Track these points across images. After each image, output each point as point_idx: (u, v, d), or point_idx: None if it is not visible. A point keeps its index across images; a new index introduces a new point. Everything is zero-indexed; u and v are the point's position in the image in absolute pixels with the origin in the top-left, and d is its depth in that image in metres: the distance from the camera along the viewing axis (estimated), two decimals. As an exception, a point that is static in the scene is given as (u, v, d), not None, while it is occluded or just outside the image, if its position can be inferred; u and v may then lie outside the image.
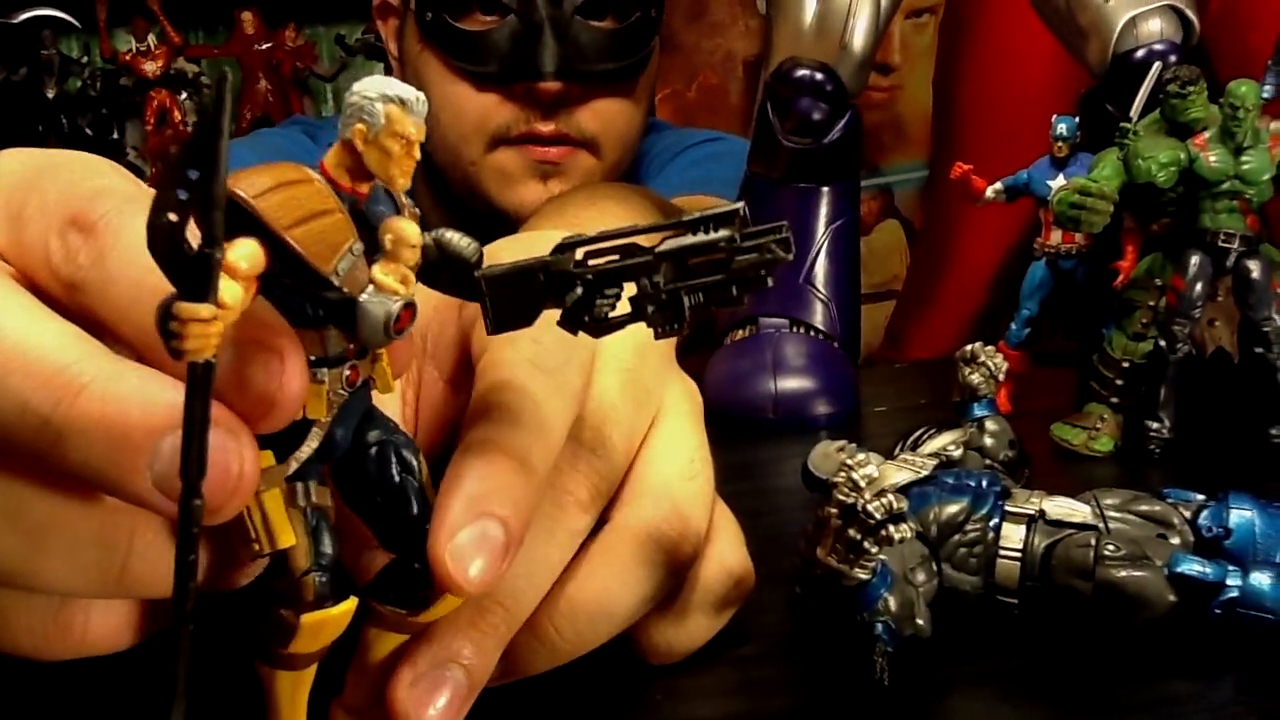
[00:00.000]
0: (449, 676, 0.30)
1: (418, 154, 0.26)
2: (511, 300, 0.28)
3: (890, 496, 0.32)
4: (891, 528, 0.32)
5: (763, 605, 0.39)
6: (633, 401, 0.35)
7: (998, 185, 0.63)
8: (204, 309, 0.21)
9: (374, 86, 0.26)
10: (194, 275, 0.21)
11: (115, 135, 1.92)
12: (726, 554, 0.37)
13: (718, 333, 0.71)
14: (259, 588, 0.28)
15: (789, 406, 0.65)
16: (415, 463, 0.29)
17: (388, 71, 1.82)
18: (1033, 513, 0.38)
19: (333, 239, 0.26)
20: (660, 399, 0.37)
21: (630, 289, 0.27)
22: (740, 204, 0.27)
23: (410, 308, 0.27)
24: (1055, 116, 0.61)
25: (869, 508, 0.32)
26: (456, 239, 0.28)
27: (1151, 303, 0.57)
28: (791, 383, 0.66)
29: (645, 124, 1.07)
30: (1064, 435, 0.58)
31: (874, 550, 0.32)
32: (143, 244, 0.25)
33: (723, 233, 0.26)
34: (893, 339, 1.91)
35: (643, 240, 0.28)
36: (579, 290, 0.27)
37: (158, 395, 0.24)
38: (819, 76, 0.65)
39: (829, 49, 0.64)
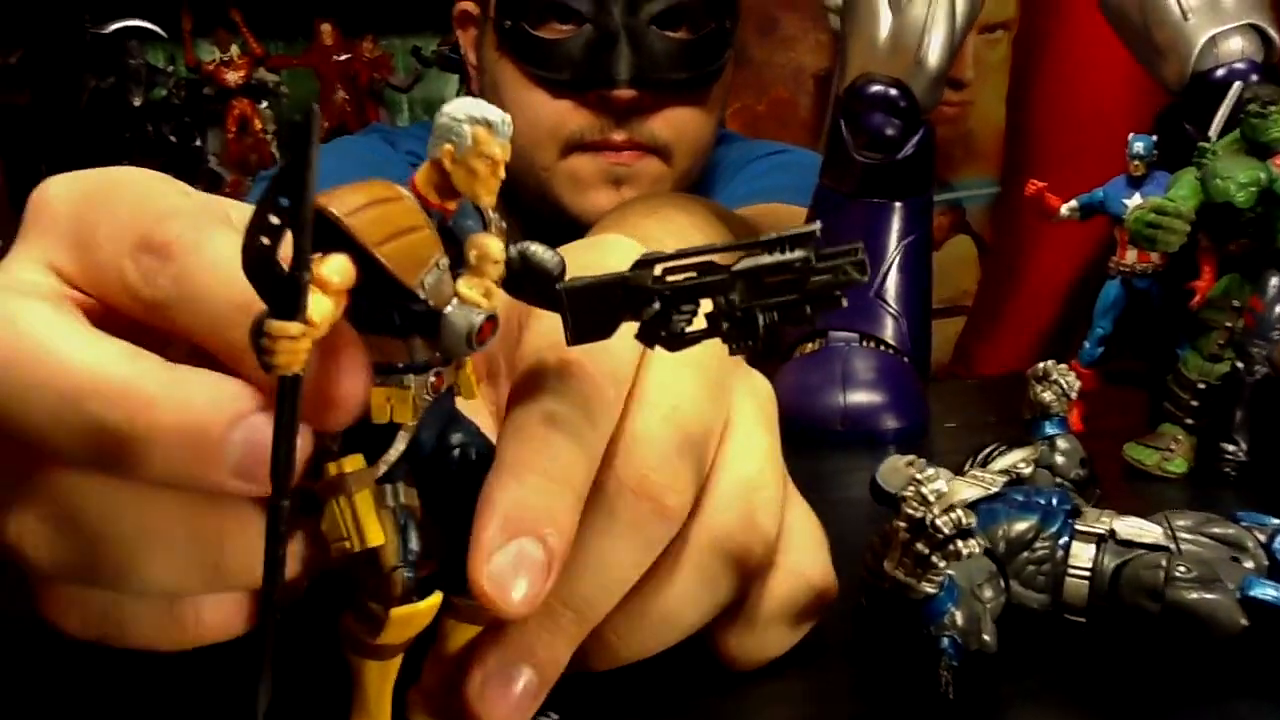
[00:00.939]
0: (518, 676, 0.31)
1: (503, 174, 0.27)
2: (591, 313, 0.29)
3: (959, 512, 0.32)
4: (959, 543, 0.32)
5: (827, 614, 0.39)
6: (710, 400, 0.35)
7: (1072, 203, 0.63)
8: (293, 327, 0.22)
9: (462, 109, 0.27)
10: (285, 295, 0.23)
11: (197, 143, 1.97)
12: (807, 563, 0.37)
13: (786, 345, 0.72)
14: (351, 582, 0.29)
15: (857, 420, 0.65)
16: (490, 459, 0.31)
17: (463, 83, 1.85)
18: (1103, 532, 0.38)
19: (419, 254, 0.27)
20: (732, 396, 0.37)
21: (706, 305, 0.28)
22: (816, 225, 0.27)
23: (493, 320, 0.28)
24: (1132, 135, 0.60)
25: (937, 522, 0.32)
26: (540, 252, 0.29)
27: (1228, 324, 0.56)
28: (860, 396, 0.66)
29: (716, 134, 1.08)
30: (1137, 456, 0.58)
31: (941, 565, 0.32)
32: (223, 262, 0.27)
33: (798, 253, 0.27)
34: (962, 355, 1.89)
35: (720, 259, 0.28)
36: (656, 305, 0.28)
37: (222, 392, 0.26)
38: (892, 92, 0.65)
39: (903, 65, 0.65)
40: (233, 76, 1.89)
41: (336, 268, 0.24)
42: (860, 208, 0.69)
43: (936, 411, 0.71)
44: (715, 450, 0.36)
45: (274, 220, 0.22)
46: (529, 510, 0.29)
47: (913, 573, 0.33)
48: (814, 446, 0.66)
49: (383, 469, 0.28)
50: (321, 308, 0.24)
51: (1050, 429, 0.47)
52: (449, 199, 0.28)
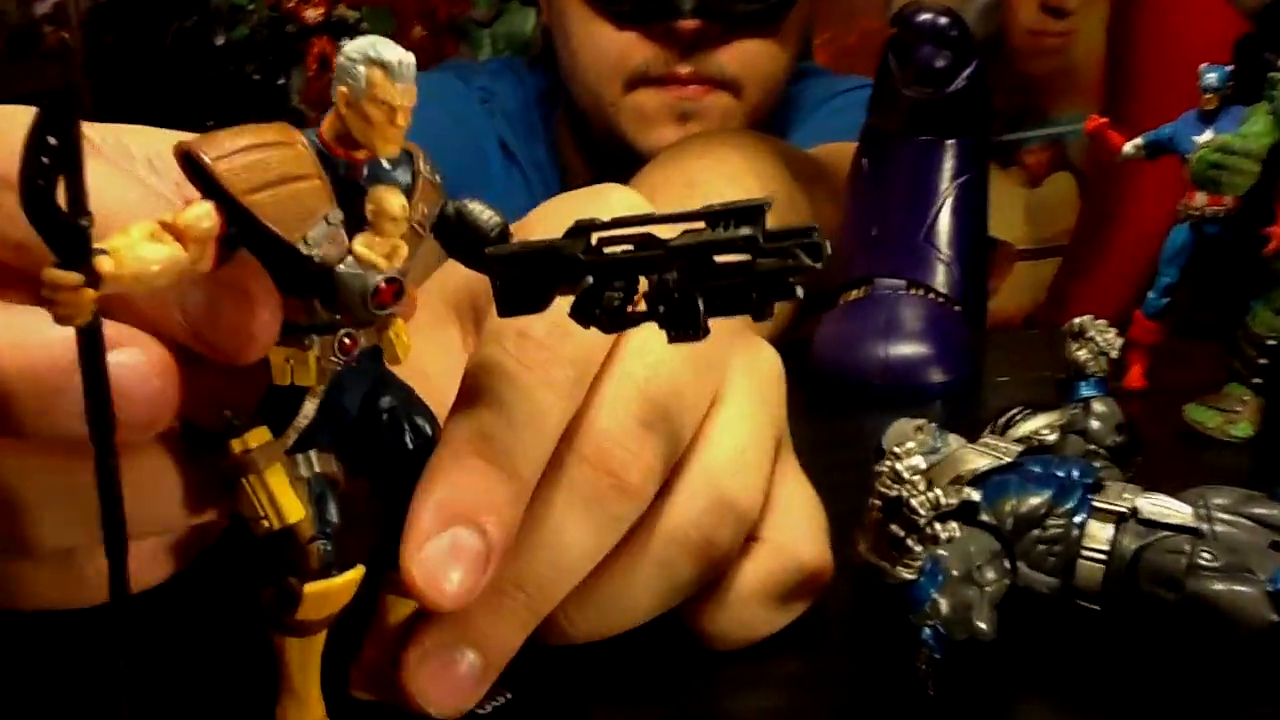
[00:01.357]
0: (459, 658, 0.29)
1: (403, 121, 0.25)
2: (523, 282, 0.27)
3: (937, 491, 0.29)
4: (937, 526, 0.29)
5: (830, 591, 0.36)
6: (693, 372, 0.33)
7: (1137, 141, 0.58)
8: (70, 277, 0.20)
9: (358, 48, 0.25)
10: (65, 241, 0.20)
11: (280, 81, 1.98)
12: (800, 544, 0.34)
13: (831, 292, 0.68)
14: (268, 555, 0.27)
15: (900, 373, 0.62)
16: (431, 430, 0.29)
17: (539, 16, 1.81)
18: (1124, 510, 0.35)
19: (302, 205, 0.25)
20: (724, 369, 0.35)
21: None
22: (766, 199, 0.24)
23: (393, 282, 0.25)
24: (1204, 65, 0.55)
25: (913, 503, 0.29)
26: (478, 210, 0.27)
27: (1304, 274, 0.51)
28: (904, 348, 0.62)
29: (792, 68, 1.03)
30: (1198, 418, 0.53)
31: (919, 549, 0.29)
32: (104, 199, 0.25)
33: (743, 231, 0.24)
34: (1056, 299, 1.82)
35: (663, 231, 0.26)
36: (589, 280, 0.26)
37: (55, 334, 0.24)
38: (942, 21, 0.60)
39: (954, -9, 0.60)
40: (312, 14, 1.87)
41: (194, 215, 0.23)
42: (909, 147, 0.64)
43: (991, 364, 0.67)
44: (695, 427, 0.33)
45: (44, 160, 0.20)
46: (467, 496, 0.27)
47: (887, 556, 0.30)
48: (853, 403, 0.62)
49: (292, 438, 0.26)
50: (151, 252, 0.22)
51: (1085, 390, 0.43)
52: (356, 148, 0.25)
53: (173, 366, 0.24)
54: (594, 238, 0.26)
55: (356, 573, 0.27)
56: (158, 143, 0.29)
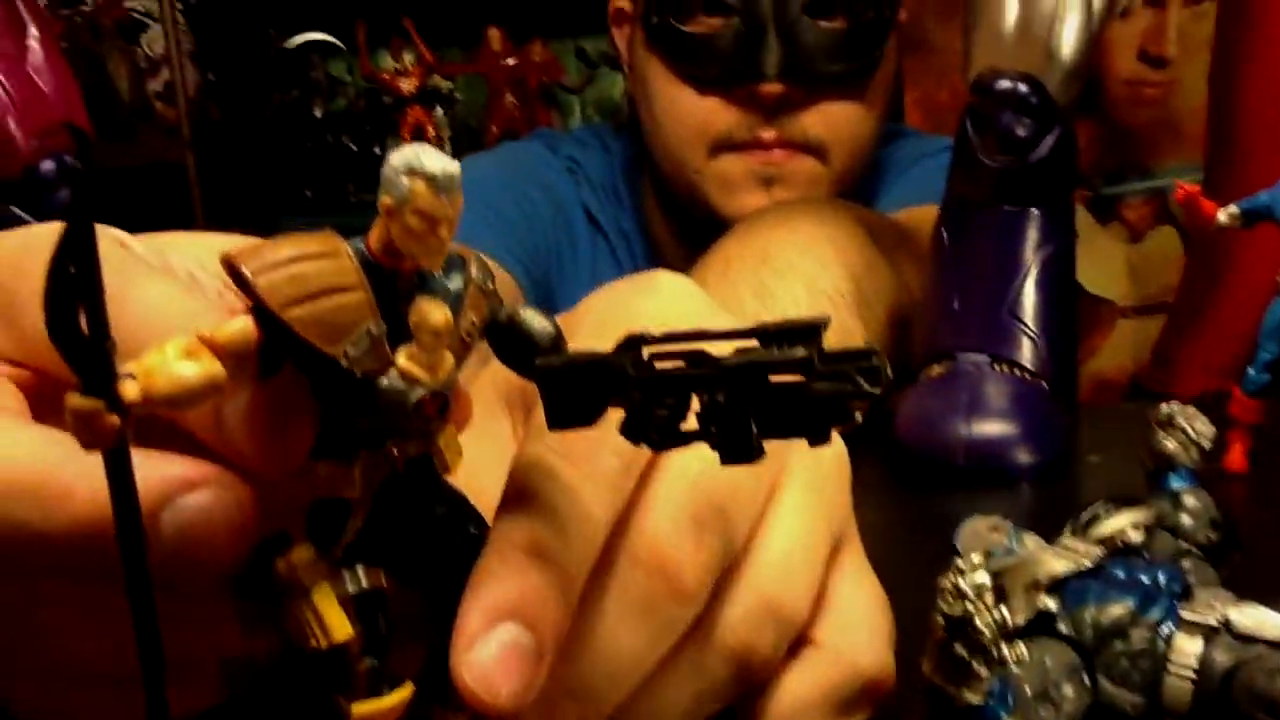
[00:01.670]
0: None
1: (445, 234, 0.24)
2: (572, 396, 0.26)
3: (1004, 610, 0.27)
4: (1005, 648, 0.27)
5: (902, 699, 0.34)
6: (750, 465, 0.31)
7: (1232, 209, 0.55)
8: (91, 404, 0.20)
9: (401, 158, 0.24)
10: (86, 366, 0.20)
11: (376, 150, 2.03)
12: (859, 650, 0.32)
13: (915, 368, 0.66)
14: (315, 675, 0.26)
15: (983, 454, 0.59)
16: (481, 536, 0.28)
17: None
18: (1214, 623, 0.32)
19: (343, 319, 0.24)
20: (782, 458, 0.33)
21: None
22: (824, 317, 0.23)
23: (437, 398, 0.25)
24: (1305, 128, 0.52)
25: (977, 622, 0.27)
26: (530, 319, 0.26)
27: None
28: (988, 427, 0.59)
29: (880, 130, 1.02)
30: (1304, 504, 0.50)
31: (984, 673, 0.27)
32: (152, 311, 0.25)
33: (798, 352, 0.23)
34: (1161, 359, 1.75)
35: (722, 346, 0.24)
36: (638, 396, 0.25)
37: (145, 474, 0.23)
38: (1022, 88, 0.58)
39: (1033, 57, 0.58)
40: (407, 85, 1.93)
41: (233, 330, 0.22)
42: (992, 216, 0.62)
43: (1087, 441, 0.64)
44: (752, 523, 0.31)
45: (66, 285, 0.20)
46: (514, 594, 0.26)
47: (952, 678, 0.28)
48: (936, 481, 0.60)
49: (337, 554, 0.26)
50: (186, 370, 0.21)
51: (1175, 483, 0.40)
52: (401, 257, 0.25)
53: (252, 509, 0.24)
54: (645, 351, 0.25)
55: (406, 690, 0.26)
56: (198, 251, 0.29)
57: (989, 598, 0.27)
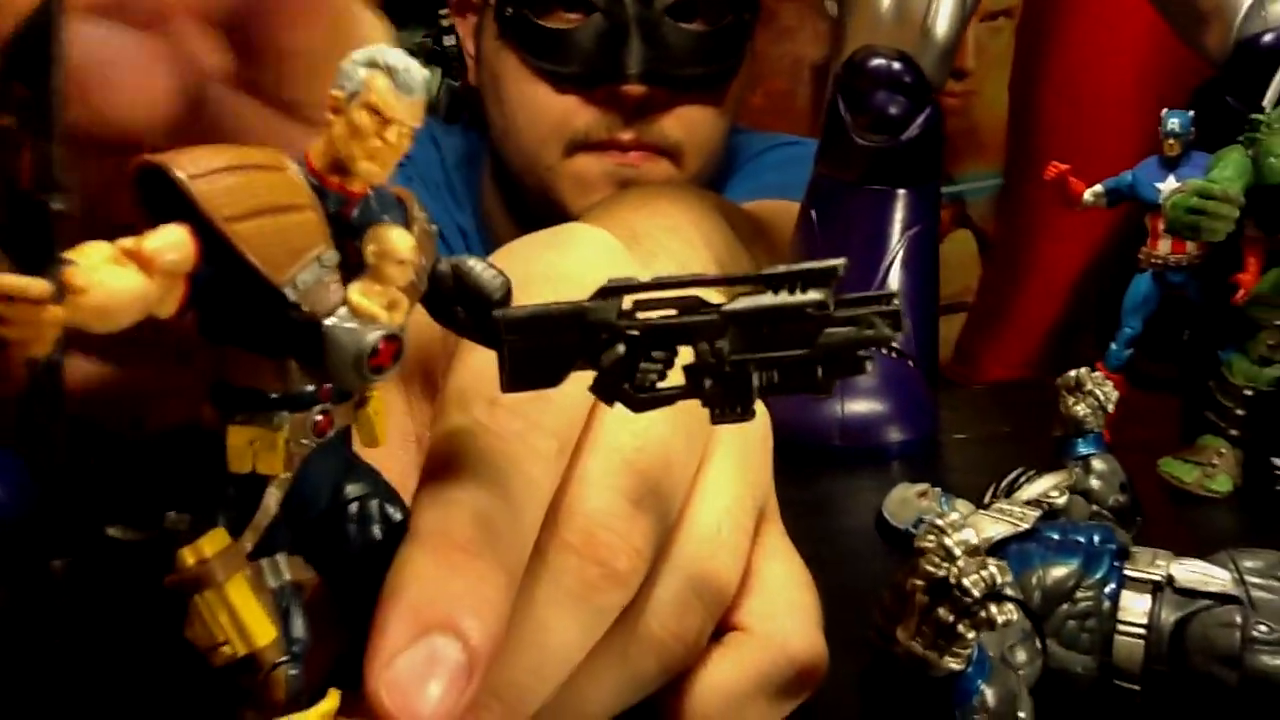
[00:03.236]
0: None
1: (396, 140, 0.21)
2: (535, 352, 0.23)
3: (993, 568, 0.25)
4: (993, 608, 0.25)
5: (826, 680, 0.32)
6: (684, 438, 0.29)
7: (1098, 188, 0.56)
8: (34, 285, 0.15)
9: (365, 52, 0.21)
10: (27, 232, 0.16)
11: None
12: (791, 635, 0.30)
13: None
14: (222, 682, 0.22)
15: (857, 432, 0.59)
16: (404, 520, 0.24)
17: (444, 79, 1.78)
18: (1158, 578, 0.32)
19: (293, 242, 0.20)
20: (711, 430, 0.31)
21: (686, 354, 0.22)
22: (840, 261, 0.21)
23: (394, 340, 0.21)
24: (1166, 110, 0.53)
25: (965, 583, 0.25)
26: (480, 269, 0.23)
27: (1278, 322, 0.50)
28: (860, 405, 0.59)
29: (729, 132, 1.01)
30: (1174, 472, 0.51)
31: (970, 635, 0.26)
32: None
33: (812, 295, 0.21)
34: (963, 355, 1.82)
35: (711, 293, 0.22)
36: (621, 349, 0.22)
37: None
38: (897, 66, 0.58)
39: (909, 36, 0.58)
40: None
41: (167, 241, 0.18)
42: (861, 196, 0.62)
43: (944, 421, 0.65)
44: (682, 500, 0.29)
45: (3, 121, 0.15)
46: (445, 596, 0.22)
47: (934, 644, 0.26)
48: (809, 465, 0.59)
49: (251, 540, 0.21)
50: (117, 280, 0.17)
51: (1084, 448, 0.41)
52: (353, 178, 0.21)
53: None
54: (628, 300, 0.22)
55: (331, 703, 0.22)
56: None
57: (979, 557, 0.25)
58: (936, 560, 0.25)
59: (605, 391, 0.22)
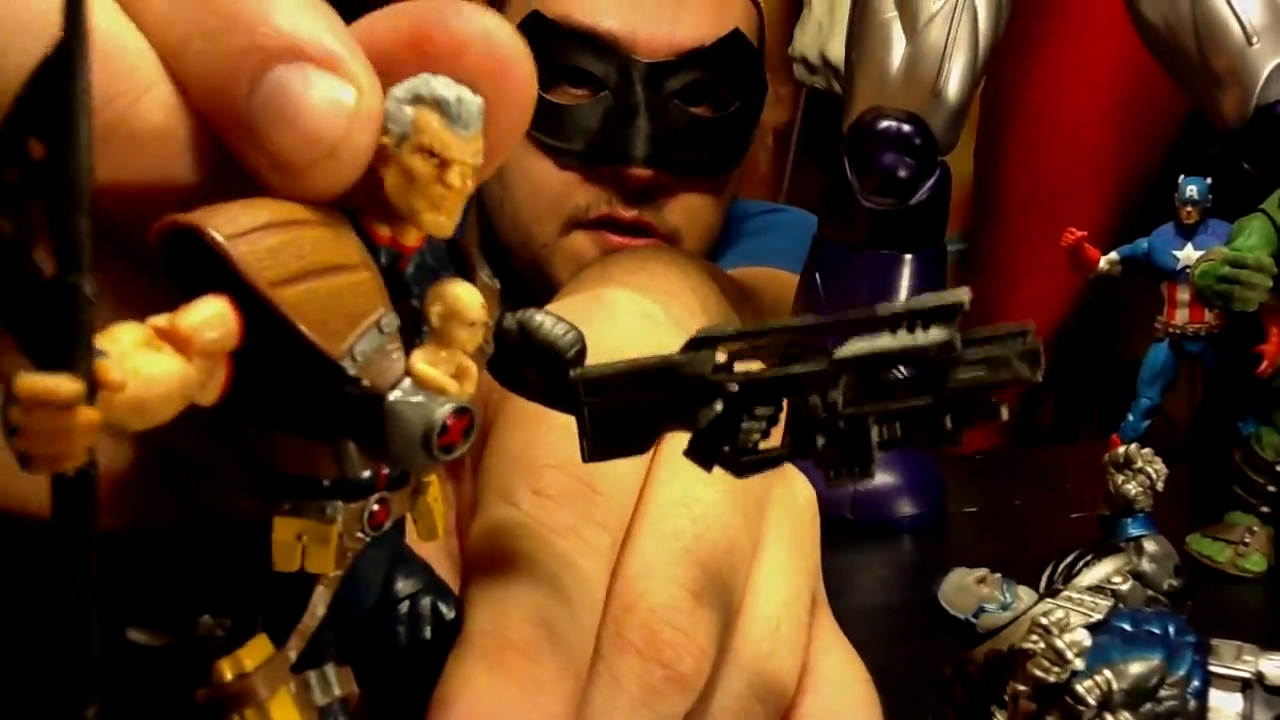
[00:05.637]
0: None
1: (460, 183, 0.18)
2: (619, 414, 0.20)
3: (1108, 674, 0.23)
4: (1109, 718, 0.23)
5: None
6: (743, 520, 0.27)
7: (1113, 256, 0.55)
8: (63, 385, 0.13)
9: (408, 85, 0.18)
10: (48, 321, 0.13)
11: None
12: None
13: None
14: None
15: (869, 506, 0.56)
16: (457, 619, 0.21)
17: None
18: (1247, 675, 0.29)
19: (349, 306, 0.18)
20: (766, 509, 0.28)
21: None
22: (963, 293, 0.19)
23: (464, 414, 0.18)
24: (1183, 177, 0.52)
25: (1079, 690, 0.23)
26: (549, 324, 0.21)
27: (1308, 394, 0.49)
28: (873, 478, 0.57)
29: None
30: (1204, 550, 0.49)
31: (1083, 747, 0.23)
32: None
33: (935, 334, 0.18)
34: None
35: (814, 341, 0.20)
36: (718, 406, 0.19)
37: None
38: (907, 128, 0.57)
39: (919, 97, 0.56)
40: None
41: (205, 316, 0.16)
42: (867, 260, 0.60)
43: (950, 493, 0.63)
44: (743, 589, 0.27)
45: (13, 181, 0.12)
46: (500, 707, 0.20)
47: (1040, 756, 0.24)
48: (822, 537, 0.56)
49: (295, 649, 0.19)
50: (154, 367, 0.15)
51: (1135, 529, 0.39)
52: (405, 230, 0.19)
53: None
54: (720, 352, 0.20)
55: None
56: None
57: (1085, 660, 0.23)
58: (1045, 664, 0.23)
59: (703, 455, 0.20)
